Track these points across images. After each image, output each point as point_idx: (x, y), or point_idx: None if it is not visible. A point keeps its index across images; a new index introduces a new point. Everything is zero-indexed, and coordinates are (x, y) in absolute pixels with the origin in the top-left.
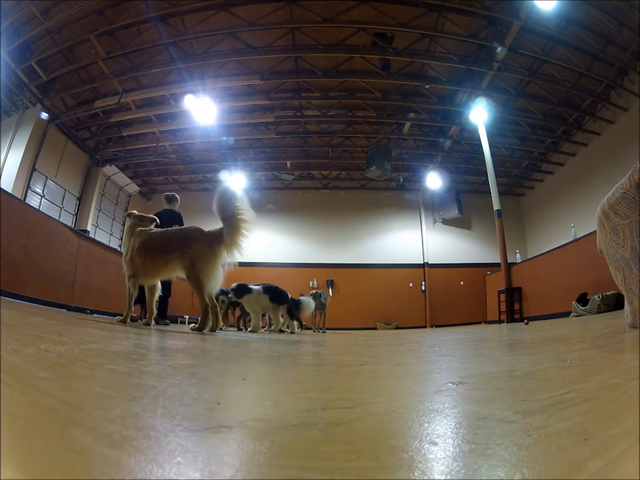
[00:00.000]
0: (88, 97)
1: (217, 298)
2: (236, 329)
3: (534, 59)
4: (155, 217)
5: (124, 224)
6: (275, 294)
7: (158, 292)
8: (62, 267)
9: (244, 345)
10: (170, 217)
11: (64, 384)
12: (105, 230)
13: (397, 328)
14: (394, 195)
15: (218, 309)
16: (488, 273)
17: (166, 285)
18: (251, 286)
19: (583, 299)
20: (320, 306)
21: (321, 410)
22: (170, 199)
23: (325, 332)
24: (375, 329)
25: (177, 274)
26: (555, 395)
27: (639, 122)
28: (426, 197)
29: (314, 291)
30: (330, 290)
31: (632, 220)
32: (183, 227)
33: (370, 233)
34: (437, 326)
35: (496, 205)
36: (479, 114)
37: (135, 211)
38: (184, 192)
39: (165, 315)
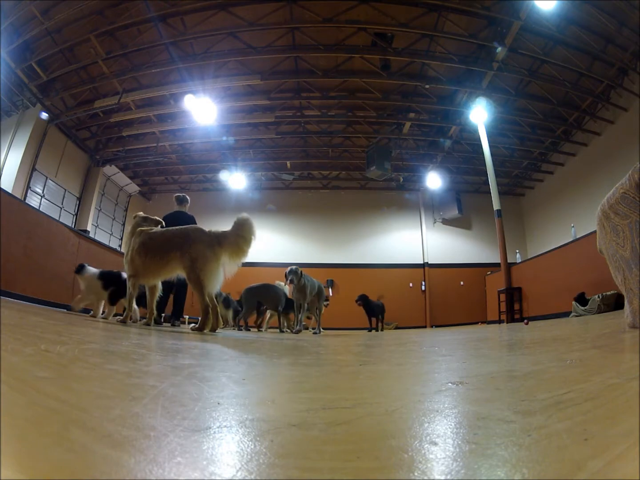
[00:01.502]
0: (88, 97)
1: None
2: (234, 329)
3: (534, 59)
4: (160, 220)
5: (124, 224)
6: (108, 280)
7: (158, 293)
8: (62, 267)
9: (244, 345)
10: (182, 220)
11: (64, 384)
12: (105, 230)
13: (397, 328)
14: (394, 195)
15: (218, 309)
16: (488, 273)
17: (183, 287)
18: (89, 268)
19: (581, 299)
20: (299, 293)
21: (321, 410)
22: (182, 200)
23: (298, 331)
24: (375, 329)
25: (178, 274)
26: (555, 395)
27: (639, 122)
28: (426, 197)
29: (292, 267)
30: (330, 290)
31: (632, 220)
32: (183, 227)
33: (370, 233)
34: (437, 326)
35: (496, 205)
36: (479, 114)
37: (141, 213)
38: (184, 192)
39: (179, 316)
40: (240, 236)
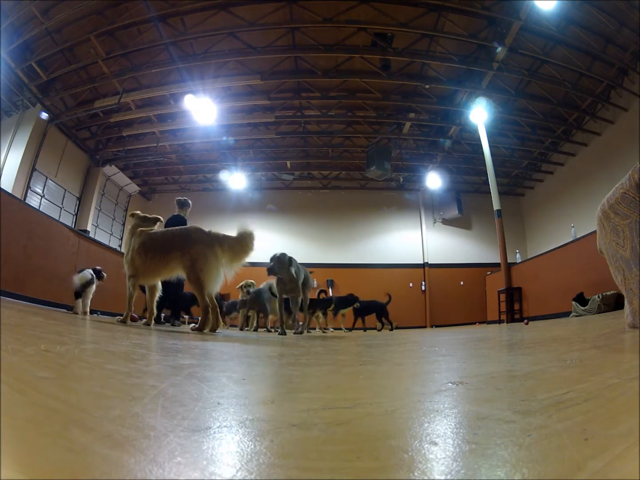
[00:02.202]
0: (88, 97)
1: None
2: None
3: (534, 59)
4: (159, 217)
5: (124, 224)
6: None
7: (158, 293)
8: (62, 267)
9: (244, 345)
10: (179, 224)
11: (64, 384)
12: (105, 230)
13: (397, 328)
14: (394, 195)
15: (218, 309)
16: (488, 273)
17: (176, 287)
18: None
19: (581, 299)
20: (289, 285)
21: (321, 410)
22: (182, 204)
23: (282, 333)
24: (375, 329)
25: (178, 274)
26: (555, 395)
27: (639, 122)
28: (426, 197)
29: (277, 254)
30: (330, 290)
31: (632, 220)
32: (183, 227)
33: (370, 233)
34: (437, 326)
35: (496, 205)
36: (479, 114)
37: (138, 212)
38: (184, 193)
39: (179, 316)
40: (241, 244)
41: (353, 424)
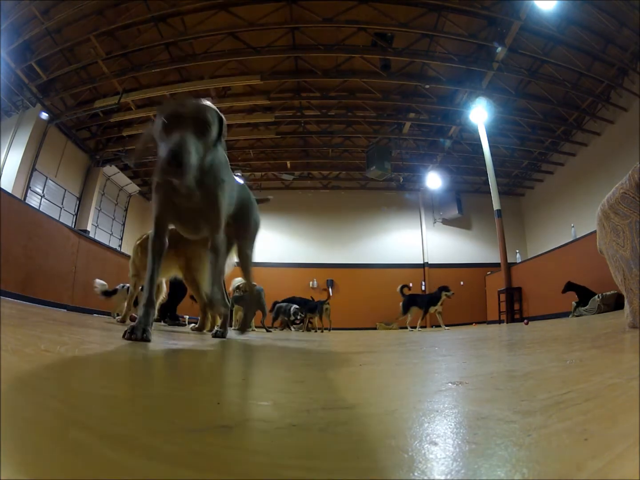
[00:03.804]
0: (88, 97)
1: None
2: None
3: (534, 59)
4: None
5: (124, 224)
6: None
7: (162, 294)
8: (62, 267)
9: (243, 345)
10: None
11: (64, 384)
12: (105, 230)
13: (398, 328)
14: (394, 195)
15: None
16: (488, 273)
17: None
18: None
19: (584, 292)
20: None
21: (321, 410)
22: None
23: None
24: (375, 329)
25: (175, 274)
26: (555, 395)
27: (639, 122)
28: (426, 197)
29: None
30: (330, 290)
31: (632, 220)
32: None
33: (370, 233)
34: (437, 326)
35: (496, 205)
36: (479, 114)
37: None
38: None
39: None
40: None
41: (353, 424)
